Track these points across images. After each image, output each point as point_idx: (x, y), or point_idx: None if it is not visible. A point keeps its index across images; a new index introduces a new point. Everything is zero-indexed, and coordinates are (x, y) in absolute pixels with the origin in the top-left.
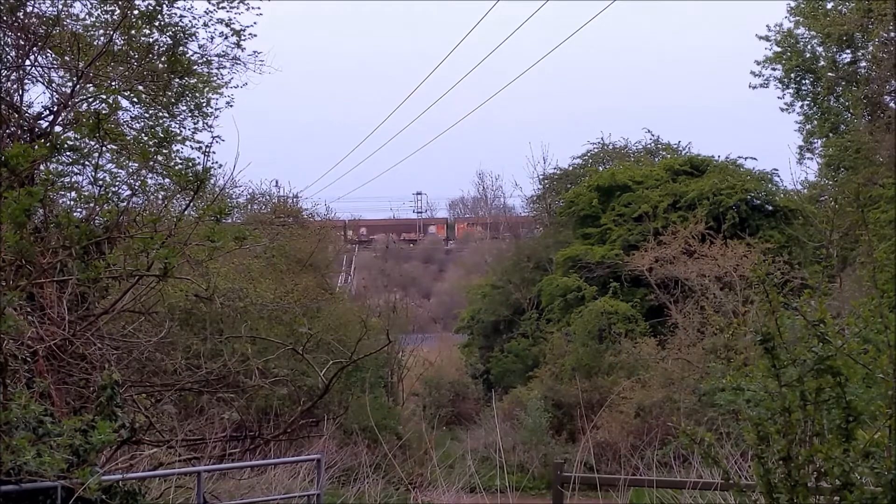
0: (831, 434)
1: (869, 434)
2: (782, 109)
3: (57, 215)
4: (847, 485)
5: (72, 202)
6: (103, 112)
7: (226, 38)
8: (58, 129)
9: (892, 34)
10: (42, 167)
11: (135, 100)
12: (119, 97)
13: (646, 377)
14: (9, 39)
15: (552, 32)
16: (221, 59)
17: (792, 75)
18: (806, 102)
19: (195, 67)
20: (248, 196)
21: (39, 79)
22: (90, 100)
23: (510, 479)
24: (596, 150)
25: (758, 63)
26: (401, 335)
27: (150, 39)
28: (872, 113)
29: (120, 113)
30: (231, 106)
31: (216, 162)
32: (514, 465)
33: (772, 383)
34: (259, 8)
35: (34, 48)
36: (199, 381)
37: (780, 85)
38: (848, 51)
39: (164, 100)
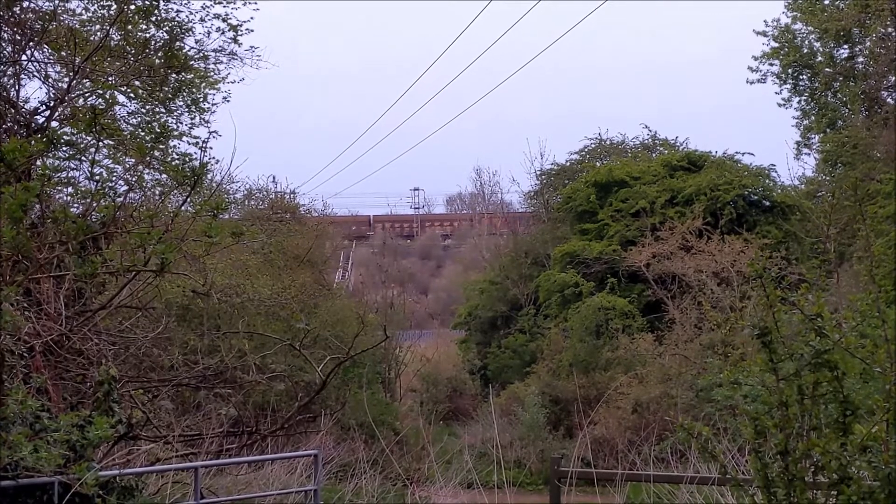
0: (829, 428)
1: (866, 428)
2: (780, 105)
3: (54, 211)
4: (844, 479)
5: (68, 197)
6: (100, 107)
7: (222, 33)
8: (54, 124)
9: (890, 30)
10: (39, 162)
11: (131, 95)
12: (116, 92)
13: (643, 373)
14: (5, 34)
15: (550, 29)
16: (218, 54)
17: (789, 71)
18: (803, 98)
19: (192, 63)
20: (246, 192)
21: (36, 74)
22: (87, 95)
23: (507, 474)
24: (593, 146)
25: (755, 58)
26: (398, 331)
27: (147, 35)
28: (870, 108)
29: (117, 108)
30: (228, 101)
31: (213, 157)
32: (512, 460)
33: (769, 378)
34: (255, 3)
35: (31, 43)
36: (196, 376)
37: (777, 80)
38: (845, 46)
39: (161, 95)
